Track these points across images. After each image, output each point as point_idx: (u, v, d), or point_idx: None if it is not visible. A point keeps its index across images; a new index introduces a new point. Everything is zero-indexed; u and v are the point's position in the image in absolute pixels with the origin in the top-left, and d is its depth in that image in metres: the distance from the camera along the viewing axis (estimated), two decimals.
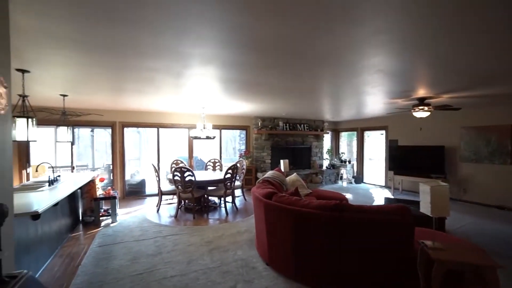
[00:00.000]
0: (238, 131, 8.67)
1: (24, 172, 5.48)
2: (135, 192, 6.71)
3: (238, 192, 6.52)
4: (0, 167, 1.54)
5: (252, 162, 7.63)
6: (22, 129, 2.79)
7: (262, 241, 3.00)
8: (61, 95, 4.21)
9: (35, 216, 2.53)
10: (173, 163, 6.18)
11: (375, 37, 2.01)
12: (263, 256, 3.06)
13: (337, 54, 2.42)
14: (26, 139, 2.81)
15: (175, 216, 4.85)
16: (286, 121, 8.00)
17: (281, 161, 5.98)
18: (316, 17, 1.73)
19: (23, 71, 2.91)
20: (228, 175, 5.02)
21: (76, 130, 6.85)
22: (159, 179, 5.35)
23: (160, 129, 6.79)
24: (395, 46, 2.20)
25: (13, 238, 2.30)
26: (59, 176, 4.18)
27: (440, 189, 2.02)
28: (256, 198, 2.99)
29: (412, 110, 4.39)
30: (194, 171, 5.86)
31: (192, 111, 6.39)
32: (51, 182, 3.63)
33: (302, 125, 8.19)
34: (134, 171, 7.42)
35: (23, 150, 5.50)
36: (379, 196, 6.64)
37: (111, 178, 6.37)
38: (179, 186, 4.81)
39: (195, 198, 4.85)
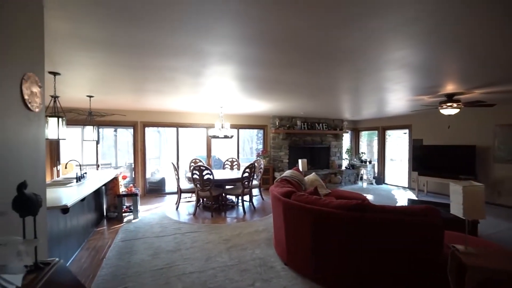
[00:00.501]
0: (255, 131, 8.69)
1: (55, 169, 5.81)
2: (155, 190, 6.90)
3: (255, 191, 6.51)
4: (34, 161, 1.62)
5: (269, 162, 7.60)
6: (53, 128, 3.00)
7: (280, 240, 2.96)
8: (87, 96, 4.42)
9: (65, 209, 2.66)
10: (191, 162, 6.29)
11: (401, 28, 1.92)
12: (281, 256, 3.03)
13: (359, 49, 2.34)
14: (57, 138, 3.01)
15: (194, 214, 4.93)
16: (304, 120, 7.90)
17: (299, 160, 5.90)
18: (337, 11, 1.68)
19: (54, 74, 3.09)
20: (246, 174, 5.03)
21: (100, 130, 7.18)
22: (178, 177, 5.46)
23: (179, 128, 6.95)
24: (423, 38, 2.09)
25: (46, 229, 2.45)
26: (85, 173, 4.40)
27: (474, 189, 1.89)
28: (275, 197, 2.96)
29: (439, 107, 4.16)
30: (212, 170, 5.94)
31: (211, 110, 6.48)
32: (79, 179, 3.81)
33: (320, 124, 8.04)
34: (154, 170, 7.64)
35: (54, 148, 5.84)
36: (402, 198, 6.36)
37: (133, 176, 6.60)
38: (198, 185, 4.88)
39: (213, 197, 4.90)
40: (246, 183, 5.06)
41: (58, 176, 5.69)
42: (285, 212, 2.74)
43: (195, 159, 6.38)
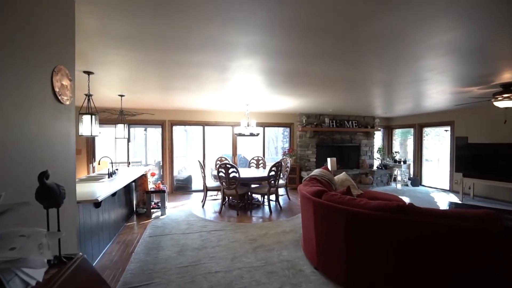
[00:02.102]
0: (281, 129, 8.51)
1: (90, 165, 6.16)
2: (182, 188, 7.03)
3: (281, 190, 6.34)
4: (65, 154, 1.63)
5: (296, 161, 7.39)
6: (87, 125, 3.13)
7: (310, 242, 2.78)
8: (119, 95, 4.58)
9: (97, 204, 2.74)
10: (217, 160, 6.30)
11: (456, 3, 1.65)
12: (310, 259, 2.84)
13: (397, 33, 2.09)
14: (90, 134, 3.14)
15: (219, 212, 4.90)
16: (332, 117, 7.56)
17: (328, 159, 5.63)
18: None
19: (88, 73, 3.21)
20: (272, 173, 4.89)
21: (132, 129, 7.49)
22: (204, 175, 5.48)
23: (205, 127, 7.01)
24: (482, 14, 1.79)
25: (78, 222, 2.52)
26: (117, 169, 4.56)
27: None
28: (304, 196, 2.79)
29: (493, 100, 3.67)
30: (238, 168, 5.89)
31: (236, 109, 6.44)
32: (110, 175, 3.95)
33: (350, 122, 7.64)
34: (182, 168, 7.80)
35: (90, 146, 6.18)
36: (443, 201, 5.79)
37: (161, 173, 6.78)
38: (224, 183, 4.84)
39: (239, 195, 4.83)
40: (273, 182, 4.92)
41: (93, 172, 6.02)
42: (315, 213, 2.56)
43: (221, 157, 6.37)
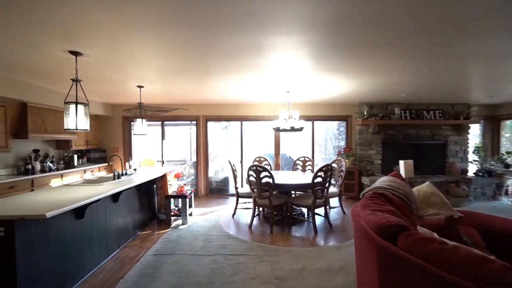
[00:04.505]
0: (336, 123, 7.04)
1: (127, 163, 5.96)
2: (219, 190, 6.32)
3: (334, 201, 4.99)
4: None
5: (354, 162, 5.86)
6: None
7: None
8: (137, 86, 4.02)
9: (79, 214, 2.07)
10: (255, 160, 5.34)
11: None
12: None
13: None
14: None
15: (250, 226, 3.91)
16: (405, 107, 5.74)
17: (401, 162, 4.01)
18: None
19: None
20: (319, 179, 3.66)
21: (172, 128, 7.17)
22: (235, 178, 4.59)
23: (243, 122, 6.13)
24: None
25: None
26: (135, 169, 4.04)
27: None
28: (361, 230, 1.54)
29: None
30: (274, 171, 4.80)
31: (276, 99, 5.34)
32: (118, 176, 3.40)
33: (431, 111, 5.68)
34: (219, 168, 7.11)
35: (126, 145, 5.99)
36: None
37: (196, 174, 6.19)
38: (255, 189, 3.84)
39: (273, 206, 3.75)
40: (319, 191, 3.68)
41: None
42: (382, 269, 1.30)
43: (259, 157, 5.39)
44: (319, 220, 4.11)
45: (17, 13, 1.80)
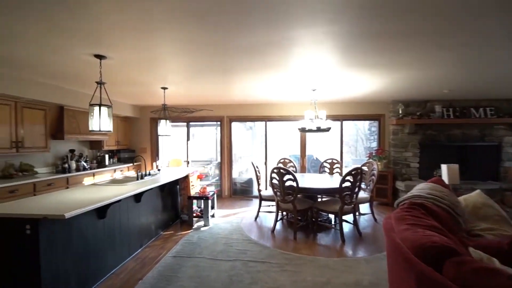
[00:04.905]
0: (367, 123, 6.58)
1: (154, 163, 6.14)
2: (243, 191, 6.24)
3: (364, 207, 4.62)
4: None
5: (387, 165, 5.40)
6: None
7: None
8: (161, 88, 4.08)
9: (101, 214, 2.11)
10: (279, 162, 5.17)
11: None
12: None
13: None
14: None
15: (272, 231, 3.74)
16: (448, 104, 5.15)
17: (443, 166, 3.55)
18: None
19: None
20: (347, 183, 3.38)
21: (198, 128, 7.28)
22: (258, 180, 4.45)
23: (267, 122, 5.98)
24: None
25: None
26: (159, 170, 4.10)
27: None
28: (396, 249, 1.29)
29: None
30: (300, 174, 4.58)
31: (302, 98, 5.10)
32: (141, 177, 3.45)
33: (481, 109, 5.02)
34: (243, 169, 7.03)
35: (154, 144, 6.18)
36: None
37: (220, 174, 6.17)
38: (278, 193, 3.67)
39: (297, 211, 3.55)
40: (347, 196, 3.39)
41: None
42: None
43: (284, 159, 5.21)
44: (347, 227, 3.82)
45: (45, 21, 1.89)
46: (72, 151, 4.46)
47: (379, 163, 5.06)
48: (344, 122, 5.87)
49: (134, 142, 6.16)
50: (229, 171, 6.02)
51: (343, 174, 3.45)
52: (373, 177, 4.11)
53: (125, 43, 2.32)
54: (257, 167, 4.54)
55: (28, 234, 1.89)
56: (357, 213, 3.94)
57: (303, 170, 5.96)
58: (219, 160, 6.49)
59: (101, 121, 2.55)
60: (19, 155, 3.67)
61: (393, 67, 3.04)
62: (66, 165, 4.22)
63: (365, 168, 4.35)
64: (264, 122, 6.00)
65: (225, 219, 4.31)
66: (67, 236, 2.11)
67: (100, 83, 2.66)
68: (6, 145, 3.41)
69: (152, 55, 2.62)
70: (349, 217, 3.79)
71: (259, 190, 4.40)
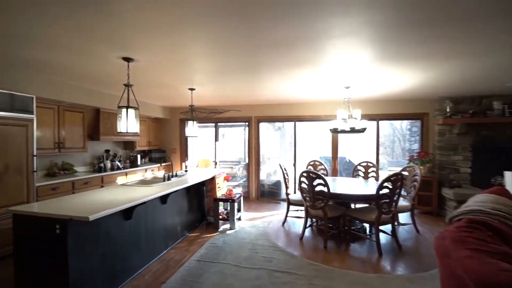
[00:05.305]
0: (406, 122, 5.99)
1: (183, 164, 6.26)
2: (271, 194, 6.07)
3: (404, 216, 4.18)
4: None
5: (432, 170, 4.83)
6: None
7: None
8: (189, 89, 4.09)
9: (127, 216, 2.12)
10: (309, 164, 4.91)
11: None
12: None
13: None
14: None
15: (301, 238, 3.52)
16: (510, 100, 4.43)
17: (507, 174, 2.99)
18: None
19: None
20: (385, 190, 3.05)
21: (227, 129, 7.28)
22: (286, 183, 4.26)
23: (296, 122, 5.74)
24: None
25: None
26: (186, 171, 4.11)
27: None
28: (457, 282, 1.04)
29: None
30: (331, 178, 4.29)
31: (333, 96, 4.78)
32: (168, 178, 3.46)
33: None
34: (271, 171, 6.85)
35: (183, 145, 6.29)
36: None
37: (247, 176, 6.08)
38: (307, 198, 3.45)
39: (328, 218, 3.29)
40: (385, 205, 3.05)
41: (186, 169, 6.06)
42: None
43: (314, 161, 4.94)
44: (384, 238, 3.45)
45: (76, 26, 1.94)
46: (107, 151, 4.70)
47: (421, 167, 4.54)
48: (380, 122, 5.40)
49: (164, 143, 6.34)
50: (256, 172, 5.90)
51: (381, 180, 3.11)
52: (415, 183, 3.68)
53: (151, 45, 2.30)
54: (285, 169, 4.34)
55: (58, 234, 1.95)
56: (395, 223, 3.55)
57: (334, 173, 5.61)
58: (247, 161, 6.40)
59: (128, 123, 2.57)
60: (61, 155, 3.94)
61: (440, 57, 2.64)
62: (102, 165, 4.44)
63: (405, 173, 3.93)
64: (293, 122, 5.77)
65: (251, 223, 4.19)
66: (94, 236, 2.14)
67: (127, 86, 2.69)
68: (50, 146, 3.67)
69: (179, 55, 2.58)
70: (386, 227, 3.42)
71: (287, 194, 4.20)
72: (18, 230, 2.07)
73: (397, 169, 3.87)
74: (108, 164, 4.53)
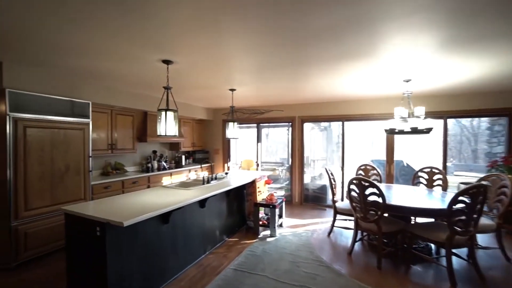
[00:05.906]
0: (484, 120, 4.96)
1: (225, 165, 6.26)
2: (316, 199, 5.66)
3: (485, 238, 3.40)
4: None
5: None
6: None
7: None
8: (229, 90, 3.99)
9: (165, 219, 2.08)
10: (359, 169, 4.41)
11: None
12: None
13: None
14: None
15: (349, 253, 3.11)
16: None
17: None
18: None
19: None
20: (461, 205, 2.46)
21: (271, 129, 7.11)
22: (333, 189, 3.86)
23: (344, 122, 5.22)
24: None
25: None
26: (226, 173, 4.03)
27: None
28: None
29: None
30: (385, 185, 3.74)
31: (389, 91, 4.17)
32: (208, 181, 3.40)
33: None
34: (317, 174, 6.41)
35: (225, 146, 6.31)
36: None
37: (290, 179, 5.77)
38: (357, 208, 3.02)
39: (383, 233, 2.82)
40: (460, 223, 2.46)
41: (228, 170, 6.06)
42: None
43: (365, 165, 4.41)
44: (457, 263, 2.81)
45: (120, 32, 1.97)
46: (154, 152, 4.92)
47: (509, 176, 3.65)
48: (449, 120, 4.56)
49: (208, 144, 6.45)
50: (300, 176, 5.56)
51: (457, 192, 2.52)
52: (503, 196, 2.93)
53: (189, 45, 2.22)
54: (331, 174, 3.95)
55: (98, 235, 1.98)
56: (474, 245, 2.86)
57: (389, 179, 4.94)
58: (290, 163, 6.11)
59: (167, 126, 2.55)
60: (113, 155, 4.23)
61: None
62: (149, 165, 4.65)
63: (485, 182, 3.17)
64: (340, 122, 5.27)
65: (293, 230, 3.90)
66: (131, 239, 2.14)
67: (167, 88, 2.68)
68: (104, 147, 3.96)
69: (217, 53, 2.44)
70: (460, 250, 2.78)
71: (334, 201, 3.80)
72: (69, 228, 2.18)
73: (465, 174, 3.16)
74: (155, 164, 4.74)
